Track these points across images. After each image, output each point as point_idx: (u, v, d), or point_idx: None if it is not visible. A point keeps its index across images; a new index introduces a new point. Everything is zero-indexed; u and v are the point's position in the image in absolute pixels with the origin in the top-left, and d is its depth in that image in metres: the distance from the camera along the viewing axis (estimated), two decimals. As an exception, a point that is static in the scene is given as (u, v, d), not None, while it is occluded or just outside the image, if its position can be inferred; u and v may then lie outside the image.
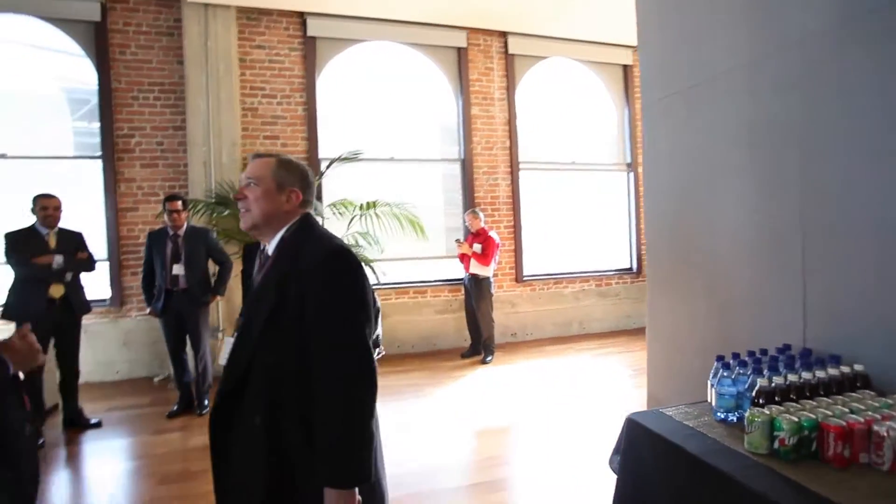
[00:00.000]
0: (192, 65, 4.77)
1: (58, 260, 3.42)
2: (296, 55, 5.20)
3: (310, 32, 5.17)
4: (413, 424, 3.56)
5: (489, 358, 5.05)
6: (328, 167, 5.11)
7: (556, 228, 6.28)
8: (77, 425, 3.67)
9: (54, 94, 4.98)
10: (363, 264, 1.21)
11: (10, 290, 3.45)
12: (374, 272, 4.80)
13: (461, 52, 5.62)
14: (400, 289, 5.57)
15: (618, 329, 5.94)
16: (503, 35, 5.72)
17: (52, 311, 3.47)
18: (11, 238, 3.41)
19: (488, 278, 5.10)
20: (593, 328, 6.02)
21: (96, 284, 4.88)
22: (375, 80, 5.62)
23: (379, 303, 2.48)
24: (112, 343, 4.84)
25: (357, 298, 1.14)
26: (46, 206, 3.45)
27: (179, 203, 3.73)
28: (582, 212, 6.36)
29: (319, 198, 5.23)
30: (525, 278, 5.97)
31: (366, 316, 1.13)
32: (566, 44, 5.89)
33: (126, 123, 4.88)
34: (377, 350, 2.38)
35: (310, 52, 5.22)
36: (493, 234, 5.15)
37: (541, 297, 5.98)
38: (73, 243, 3.57)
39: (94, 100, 4.82)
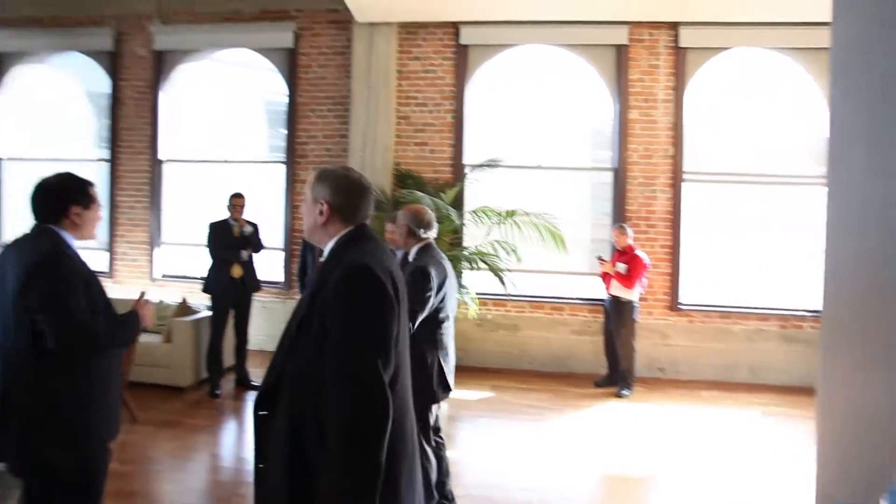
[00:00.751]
0: (357, 79, 5.27)
1: (243, 255, 4.34)
2: (448, 64, 5.36)
3: (462, 41, 5.28)
4: (524, 450, 3.31)
5: (626, 391, 4.45)
6: (468, 173, 5.15)
7: (729, 252, 5.26)
8: (243, 385, 4.42)
9: (258, 110, 6.02)
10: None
11: (208, 270, 4.33)
12: (503, 282, 4.65)
13: (621, 50, 5.10)
14: (535, 302, 5.30)
15: (804, 385, 4.65)
16: (673, 27, 5.01)
17: (234, 288, 4.30)
18: (212, 228, 4.32)
19: (632, 302, 4.51)
20: (769, 378, 4.86)
21: (273, 268, 5.76)
22: (524, 85, 5.48)
23: (453, 279, 2.38)
24: (281, 319, 5.60)
25: (366, 325, 1.05)
26: (236, 204, 4.27)
27: None
28: (764, 234, 5.20)
29: (460, 204, 5.29)
30: (682, 307, 5.13)
31: (378, 344, 1.04)
32: (754, 30, 4.87)
33: (304, 132, 5.63)
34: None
35: (461, 61, 5.32)
36: (640, 253, 4.54)
37: (700, 332, 5.07)
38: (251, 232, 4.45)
39: (284, 113, 5.69)
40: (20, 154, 6.33)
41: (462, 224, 5.17)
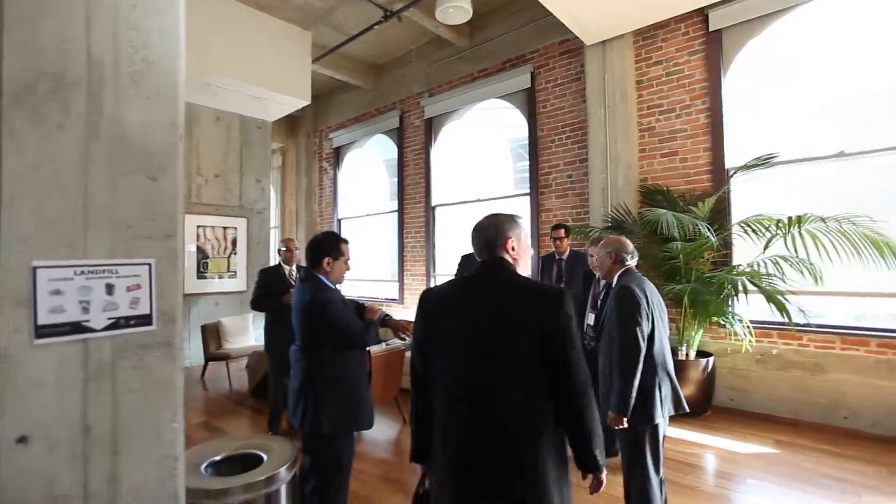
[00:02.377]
0: (593, 100, 5.18)
1: None
2: (696, 59, 4.70)
3: (713, 26, 4.56)
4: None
5: None
6: (731, 177, 4.32)
7: None
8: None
9: (505, 151, 6.60)
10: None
11: None
12: (784, 309, 3.64)
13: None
14: (851, 336, 3.93)
15: None
16: None
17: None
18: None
19: None
20: None
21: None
22: (805, 57, 4.28)
23: (657, 300, 2.25)
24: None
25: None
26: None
27: (562, 231, 4.14)
28: None
29: (724, 216, 4.48)
30: None
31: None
32: None
33: (546, 163, 5.84)
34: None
35: (713, 51, 4.59)
36: None
37: None
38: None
39: (526, 148, 6.05)
40: (349, 214, 8.68)
41: (726, 239, 4.35)
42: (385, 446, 3.74)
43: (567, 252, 4.16)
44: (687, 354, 4.26)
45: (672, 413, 2.09)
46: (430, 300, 1.41)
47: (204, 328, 5.83)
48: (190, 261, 6.44)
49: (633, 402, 2.00)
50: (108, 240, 1.39)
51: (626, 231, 4.57)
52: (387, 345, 4.36)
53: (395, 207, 7.63)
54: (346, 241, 2.27)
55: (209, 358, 5.77)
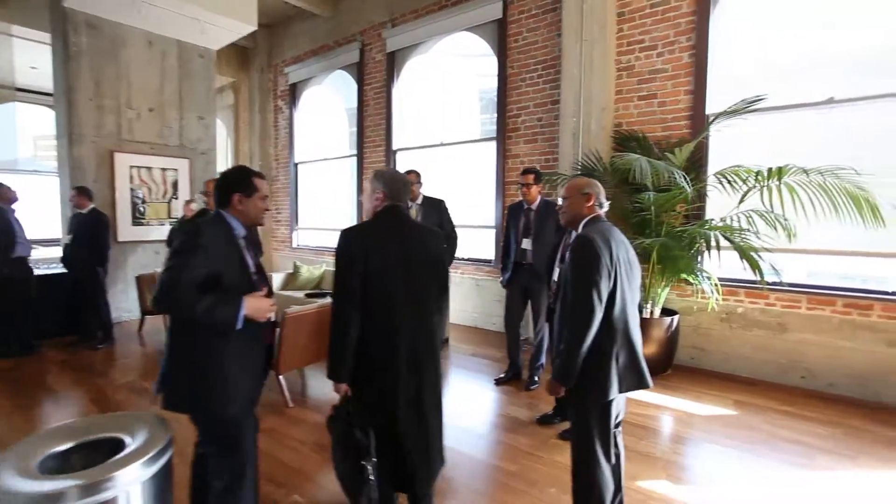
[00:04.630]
0: (569, 33, 4.66)
1: None
2: (683, -12, 4.21)
3: (704, -49, 4.05)
4: (777, 506, 2.29)
5: None
6: (710, 124, 3.97)
7: None
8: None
9: (472, 98, 6.05)
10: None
11: None
12: (757, 267, 3.41)
13: None
14: (819, 295, 3.77)
15: None
16: None
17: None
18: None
19: None
20: None
21: (485, 246, 5.75)
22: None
23: (628, 257, 1.92)
24: (491, 298, 5.59)
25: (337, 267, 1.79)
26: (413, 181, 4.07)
27: (531, 176, 3.68)
28: None
29: (700, 166, 4.17)
30: None
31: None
32: None
33: (514, 105, 5.36)
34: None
35: (702, -21, 4.11)
36: None
37: None
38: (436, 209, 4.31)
39: (494, 102, 5.53)
40: (306, 158, 8.05)
41: (701, 191, 4.06)
42: (322, 408, 3.45)
43: (538, 201, 3.74)
44: (651, 312, 4.06)
45: (631, 390, 1.80)
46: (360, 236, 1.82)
47: (139, 279, 5.34)
48: (123, 205, 5.83)
49: (576, 370, 1.72)
50: None
51: (599, 178, 4.22)
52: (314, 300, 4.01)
53: (354, 152, 7.06)
54: (261, 176, 1.84)
55: (146, 312, 5.33)
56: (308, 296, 5.33)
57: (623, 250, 1.81)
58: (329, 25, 7.26)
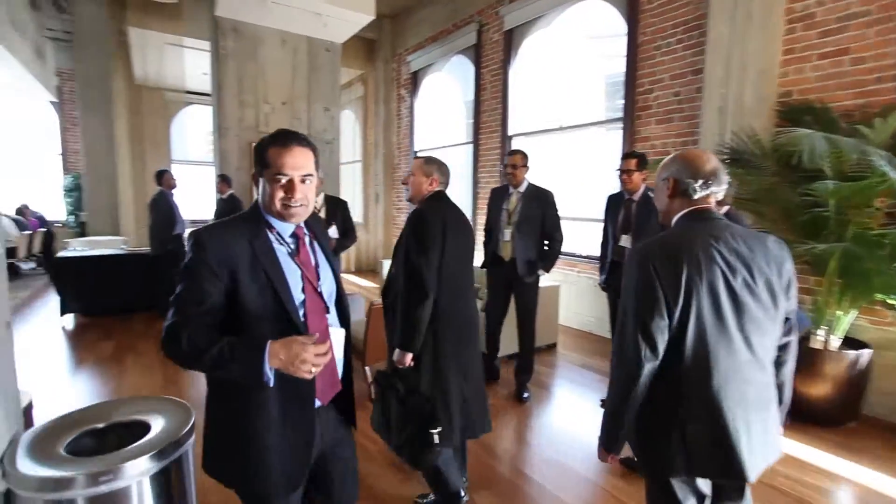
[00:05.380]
0: (719, -18, 3.73)
1: None
2: None
3: None
4: None
5: None
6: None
7: None
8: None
9: (595, 73, 5.31)
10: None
11: None
12: None
13: None
14: None
15: None
16: None
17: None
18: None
19: None
20: None
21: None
22: None
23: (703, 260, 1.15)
24: (591, 298, 4.97)
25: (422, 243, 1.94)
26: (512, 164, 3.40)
27: (633, 161, 3.01)
28: None
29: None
30: None
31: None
32: None
33: (647, 78, 4.54)
34: None
35: None
36: None
37: None
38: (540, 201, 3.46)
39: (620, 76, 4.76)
40: (425, 146, 8.03)
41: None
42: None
43: (641, 191, 3.06)
44: (827, 341, 3.06)
45: (710, 477, 1.25)
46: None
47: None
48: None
49: (620, 435, 1.26)
50: None
51: (749, 166, 3.31)
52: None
53: (470, 138, 6.79)
54: (286, 142, 1.21)
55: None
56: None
57: (732, 258, 1.23)
58: (448, 9, 7.06)
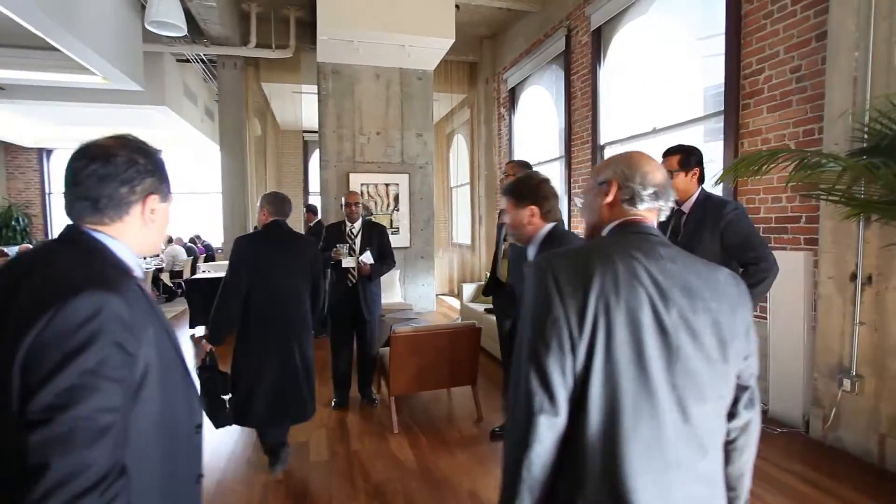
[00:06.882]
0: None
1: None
2: None
3: None
4: None
5: None
6: None
7: None
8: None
9: (690, 63, 4.44)
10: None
11: None
12: None
13: None
14: None
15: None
16: None
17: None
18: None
19: None
20: None
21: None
22: None
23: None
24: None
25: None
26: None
27: (675, 159, 2.32)
28: None
29: None
30: None
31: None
32: None
33: (755, 56, 3.64)
34: None
35: None
36: None
37: None
38: None
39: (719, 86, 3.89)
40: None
41: None
42: (428, 436, 2.99)
43: (694, 197, 2.33)
44: None
45: None
46: None
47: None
48: (355, 218, 6.79)
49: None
50: None
51: (888, 156, 2.34)
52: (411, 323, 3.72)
53: (562, 153, 6.27)
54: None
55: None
56: (487, 311, 5.04)
57: (675, 287, 0.85)
58: (539, 19, 6.74)
